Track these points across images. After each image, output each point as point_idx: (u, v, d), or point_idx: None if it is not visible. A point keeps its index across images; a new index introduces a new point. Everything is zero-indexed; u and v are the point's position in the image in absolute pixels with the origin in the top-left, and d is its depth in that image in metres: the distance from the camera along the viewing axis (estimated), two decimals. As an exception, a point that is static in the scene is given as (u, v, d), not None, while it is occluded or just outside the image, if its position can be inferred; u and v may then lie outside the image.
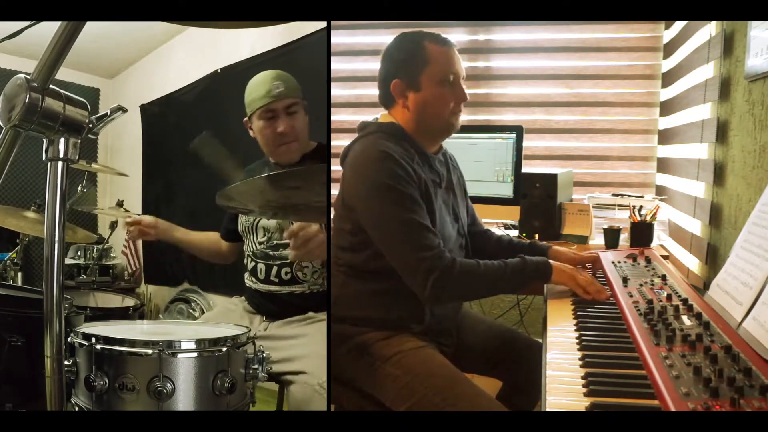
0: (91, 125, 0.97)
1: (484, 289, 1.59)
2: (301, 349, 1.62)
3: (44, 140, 0.94)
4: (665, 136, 2.72)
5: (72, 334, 1.25)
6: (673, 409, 0.82)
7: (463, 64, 1.65)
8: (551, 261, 1.57)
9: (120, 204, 2.90)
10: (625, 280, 1.50)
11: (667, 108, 2.71)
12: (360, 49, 3.11)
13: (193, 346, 1.23)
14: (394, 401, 1.51)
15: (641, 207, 2.28)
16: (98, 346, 1.20)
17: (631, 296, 1.37)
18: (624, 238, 2.34)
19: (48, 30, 0.88)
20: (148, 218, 1.98)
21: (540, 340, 1.87)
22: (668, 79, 2.69)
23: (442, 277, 1.45)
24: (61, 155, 0.93)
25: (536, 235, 2.45)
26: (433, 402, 1.45)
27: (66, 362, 1.19)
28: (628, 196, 2.51)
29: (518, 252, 1.71)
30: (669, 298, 1.32)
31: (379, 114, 1.69)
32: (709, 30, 2.01)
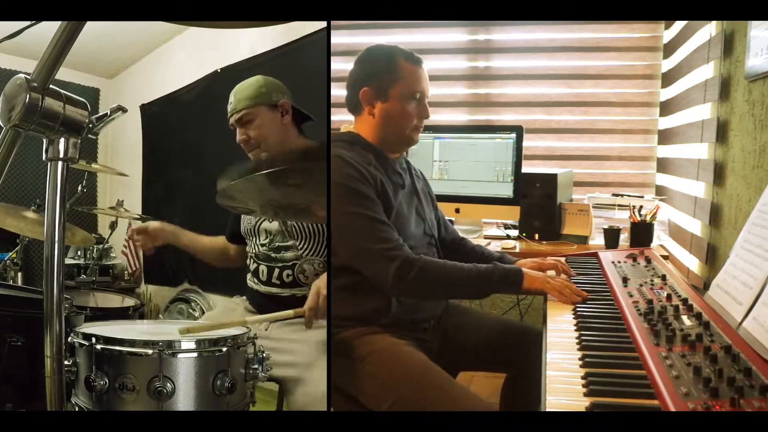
0: (91, 125, 0.98)
1: (450, 287, 1.58)
2: (302, 357, 1.62)
3: (44, 140, 0.94)
4: (665, 136, 2.72)
5: (72, 334, 1.25)
6: (672, 409, 0.82)
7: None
8: (523, 269, 1.58)
9: (120, 204, 2.90)
10: (625, 280, 1.51)
11: (667, 108, 2.71)
12: (360, 49, 3.09)
13: (193, 346, 1.23)
14: (375, 401, 1.50)
15: (641, 207, 2.28)
16: (98, 346, 1.20)
17: (631, 296, 1.37)
18: (624, 238, 2.34)
19: (48, 30, 0.88)
20: (155, 224, 1.94)
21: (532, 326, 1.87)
22: (668, 79, 2.69)
23: (404, 266, 1.48)
24: (61, 155, 0.93)
25: (536, 235, 2.45)
26: (413, 400, 1.44)
27: (66, 362, 1.19)
28: (628, 196, 2.51)
29: (486, 262, 1.74)
30: (669, 298, 1.32)
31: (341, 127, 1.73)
32: (709, 30, 2.01)
